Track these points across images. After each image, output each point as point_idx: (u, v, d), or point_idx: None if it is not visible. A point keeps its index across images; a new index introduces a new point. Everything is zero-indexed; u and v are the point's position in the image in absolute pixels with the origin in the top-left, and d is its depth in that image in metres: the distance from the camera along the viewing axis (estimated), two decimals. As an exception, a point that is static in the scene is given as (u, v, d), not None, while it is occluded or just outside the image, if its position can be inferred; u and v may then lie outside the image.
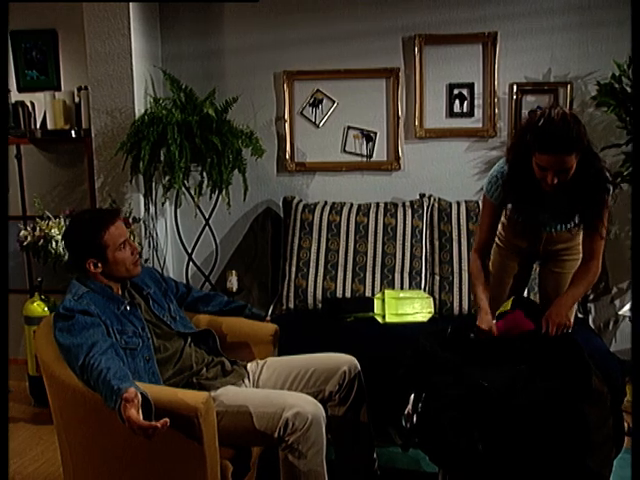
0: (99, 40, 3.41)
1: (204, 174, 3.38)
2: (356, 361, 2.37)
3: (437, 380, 2.01)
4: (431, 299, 3.32)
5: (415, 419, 2.02)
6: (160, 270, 3.56)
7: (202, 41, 3.72)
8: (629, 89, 3.26)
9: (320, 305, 3.40)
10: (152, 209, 3.61)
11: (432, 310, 3.27)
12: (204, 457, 1.92)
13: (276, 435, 2.01)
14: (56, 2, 3.60)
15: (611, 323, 3.67)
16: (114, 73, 3.42)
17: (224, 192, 3.38)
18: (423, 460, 2.75)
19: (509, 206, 2.55)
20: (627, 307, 3.07)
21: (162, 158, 3.38)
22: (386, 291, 3.33)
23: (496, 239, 2.67)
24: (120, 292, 2.31)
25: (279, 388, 2.33)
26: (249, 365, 2.43)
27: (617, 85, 3.27)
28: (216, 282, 3.78)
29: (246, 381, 2.36)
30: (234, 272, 3.65)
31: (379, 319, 3.22)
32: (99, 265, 2.22)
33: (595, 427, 1.81)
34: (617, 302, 3.64)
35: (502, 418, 1.83)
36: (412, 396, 2.09)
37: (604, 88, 3.33)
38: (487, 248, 2.56)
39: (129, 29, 3.38)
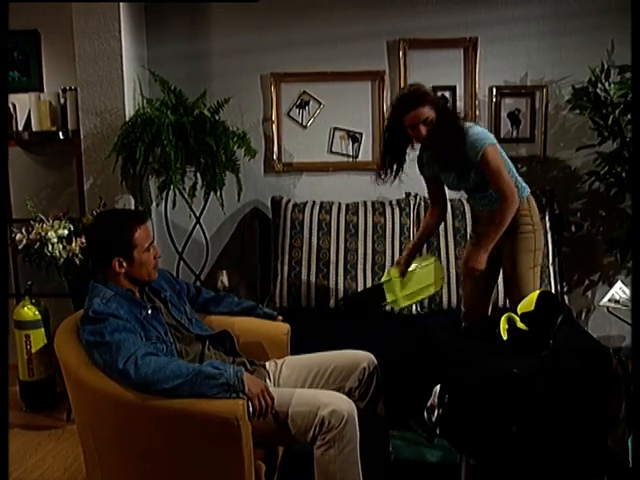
0: (88, 41, 3.38)
1: (198, 175, 3.40)
2: (373, 357, 2.46)
3: (456, 371, 2.11)
4: (438, 261, 3.16)
5: (441, 411, 2.12)
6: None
7: (188, 43, 3.74)
8: (602, 93, 3.47)
9: (314, 303, 3.49)
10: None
11: (444, 275, 3.21)
12: (242, 459, 1.94)
13: (311, 434, 2.07)
14: (52, 2, 3.51)
15: (583, 313, 3.90)
16: (104, 74, 3.41)
17: (218, 193, 3.41)
18: (427, 451, 2.89)
19: None
20: (606, 299, 3.27)
21: (150, 159, 3.38)
22: (391, 270, 3.06)
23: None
24: (139, 296, 2.33)
25: (300, 386, 2.39)
26: (267, 365, 2.48)
27: (592, 89, 3.47)
28: (205, 281, 3.80)
29: (267, 381, 2.41)
30: (224, 272, 3.69)
31: (394, 306, 3.10)
32: (124, 265, 2.23)
33: (616, 408, 1.97)
34: (589, 293, 3.87)
35: (529, 403, 1.96)
36: (437, 388, 2.19)
37: (579, 92, 3.53)
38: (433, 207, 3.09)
39: (119, 30, 3.37)
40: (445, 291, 3.51)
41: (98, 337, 2.06)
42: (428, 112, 2.63)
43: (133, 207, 3.51)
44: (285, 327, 2.67)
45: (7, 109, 3.62)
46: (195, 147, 3.29)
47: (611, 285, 3.76)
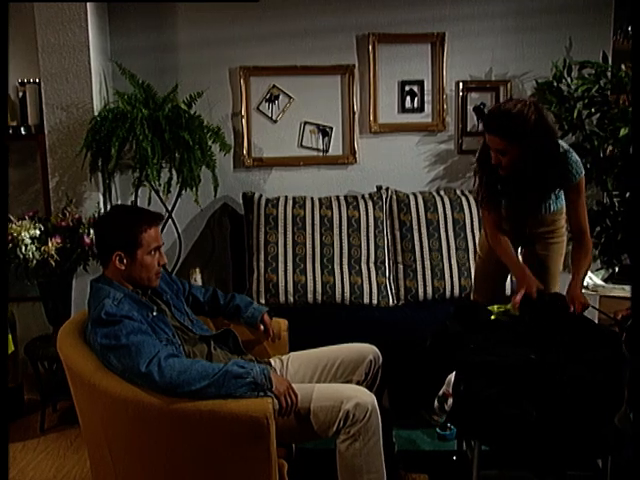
0: (52, 31, 3.22)
1: (173, 171, 3.30)
2: (377, 349, 2.47)
3: (477, 360, 2.15)
4: None
5: (457, 399, 2.16)
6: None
7: (153, 34, 3.63)
8: (565, 88, 3.62)
9: (292, 298, 3.46)
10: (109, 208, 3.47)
11: None
12: (270, 458, 1.92)
13: (334, 428, 2.06)
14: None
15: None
16: (69, 66, 3.25)
17: (194, 189, 3.33)
18: (419, 439, 2.93)
19: None
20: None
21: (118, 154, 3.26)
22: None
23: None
24: (145, 298, 2.25)
25: (308, 381, 2.38)
26: (272, 361, 2.45)
27: (556, 84, 3.61)
28: (176, 280, 3.71)
29: (277, 377, 2.39)
30: (198, 269, 3.61)
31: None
32: (124, 261, 2.15)
33: (623, 388, 2.07)
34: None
35: (547, 387, 2.03)
36: (451, 377, 2.23)
37: (542, 86, 3.67)
38: (500, 219, 2.73)
39: (86, 20, 3.22)
40: (420, 283, 3.55)
41: (113, 340, 1.97)
42: (503, 144, 2.39)
43: (102, 204, 3.38)
44: (284, 323, 2.65)
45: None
46: (170, 142, 3.19)
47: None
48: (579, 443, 2.08)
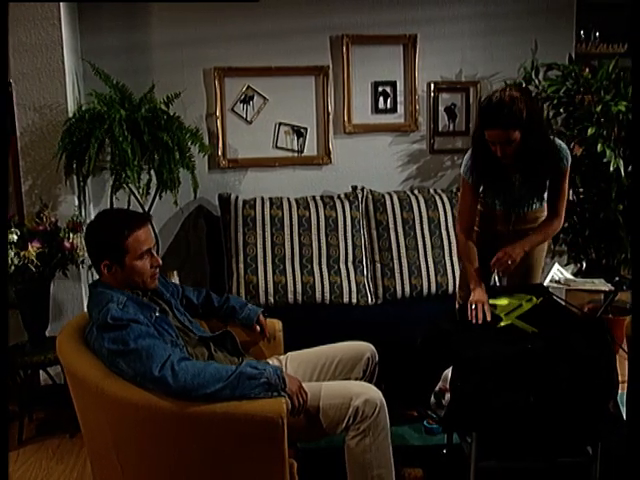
0: (24, 30, 3.12)
1: (152, 172, 3.25)
2: (373, 347, 2.50)
3: (471, 355, 2.20)
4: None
5: (455, 396, 2.20)
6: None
7: (126, 34, 3.56)
8: (534, 89, 3.74)
9: (273, 299, 3.45)
10: (83, 211, 3.39)
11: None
12: (283, 459, 1.92)
13: (343, 425, 2.08)
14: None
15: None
16: (42, 66, 3.16)
17: (173, 191, 3.28)
18: (407, 434, 2.98)
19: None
20: (548, 280, 3.52)
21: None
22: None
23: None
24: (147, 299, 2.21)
25: (307, 380, 2.38)
26: (270, 362, 2.44)
27: (524, 85, 3.73)
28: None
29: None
30: (175, 272, 3.56)
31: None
32: (113, 269, 2.10)
33: (616, 373, 2.16)
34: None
35: (545, 374, 2.10)
36: (447, 373, 2.28)
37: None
38: (471, 227, 2.79)
39: (59, 18, 3.14)
40: (398, 282, 3.60)
41: (121, 345, 1.93)
42: (508, 133, 2.40)
43: (77, 208, 3.29)
44: (278, 323, 2.64)
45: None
46: (149, 144, 3.14)
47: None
48: (572, 430, 2.16)
